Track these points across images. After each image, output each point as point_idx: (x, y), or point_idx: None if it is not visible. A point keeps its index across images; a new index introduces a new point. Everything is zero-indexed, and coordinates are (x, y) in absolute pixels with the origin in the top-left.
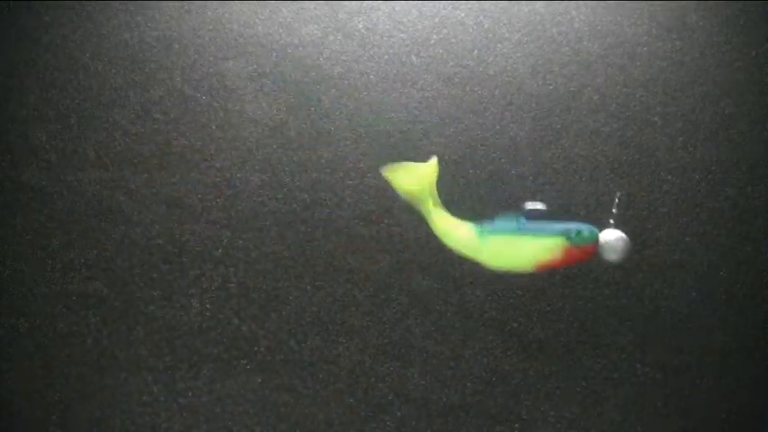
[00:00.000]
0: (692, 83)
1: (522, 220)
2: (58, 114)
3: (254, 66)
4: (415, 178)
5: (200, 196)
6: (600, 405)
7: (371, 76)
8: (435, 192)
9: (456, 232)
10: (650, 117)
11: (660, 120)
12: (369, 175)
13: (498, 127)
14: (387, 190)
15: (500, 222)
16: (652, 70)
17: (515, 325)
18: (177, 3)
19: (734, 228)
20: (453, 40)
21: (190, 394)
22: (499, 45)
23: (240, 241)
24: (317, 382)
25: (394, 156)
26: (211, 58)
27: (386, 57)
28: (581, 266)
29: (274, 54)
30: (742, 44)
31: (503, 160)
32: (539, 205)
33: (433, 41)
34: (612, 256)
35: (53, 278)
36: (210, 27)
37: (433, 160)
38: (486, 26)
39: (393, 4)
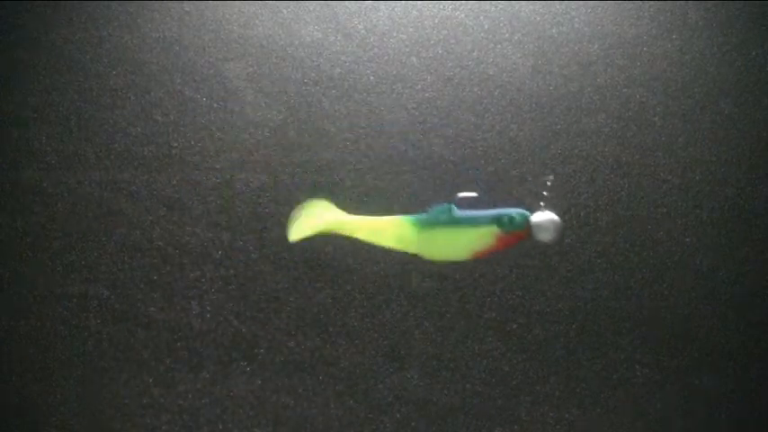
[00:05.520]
0: (692, 83)
1: (455, 209)
2: (58, 116)
3: (254, 67)
4: (315, 218)
5: (200, 198)
6: (600, 406)
7: (371, 77)
8: (336, 210)
9: (390, 231)
10: (650, 117)
11: (660, 120)
12: (368, 175)
13: (498, 127)
14: (387, 191)
15: (433, 213)
16: (652, 70)
17: (515, 325)
18: (177, 4)
19: (734, 228)
20: (453, 40)
21: (190, 396)
22: (499, 45)
23: (240, 243)
24: (316, 384)
25: (394, 156)
26: (211, 60)
27: (386, 57)
28: (581, 267)
29: (274, 55)
30: (742, 44)
31: (503, 160)
32: (470, 194)
33: (433, 42)
34: (546, 237)
35: (53, 280)
36: (211, 28)
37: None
38: (486, 26)
39: (393, 5)
